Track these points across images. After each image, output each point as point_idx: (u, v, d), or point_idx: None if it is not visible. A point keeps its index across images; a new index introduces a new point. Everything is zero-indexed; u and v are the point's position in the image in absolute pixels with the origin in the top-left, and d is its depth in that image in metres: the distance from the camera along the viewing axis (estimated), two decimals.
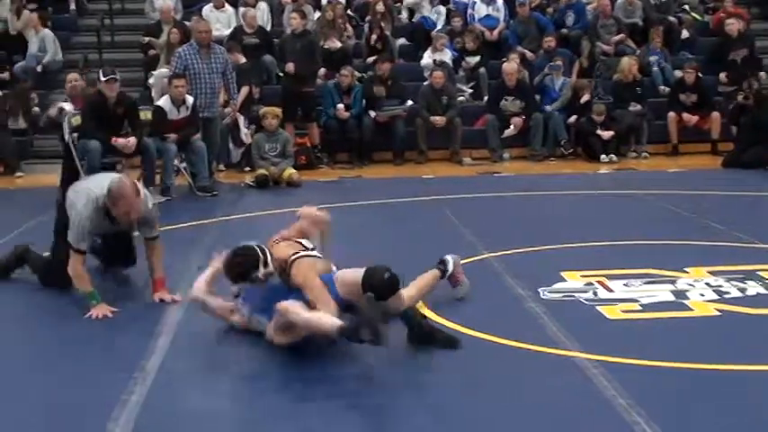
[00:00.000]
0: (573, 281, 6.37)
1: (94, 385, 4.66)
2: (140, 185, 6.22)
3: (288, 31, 13.65)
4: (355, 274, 5.01)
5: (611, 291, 6.12)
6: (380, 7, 15.14)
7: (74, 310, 5.95)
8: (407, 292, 5.42)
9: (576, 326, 5.35)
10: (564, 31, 15.54)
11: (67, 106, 10.56)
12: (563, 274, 6.51)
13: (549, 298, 5.98)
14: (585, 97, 13.79)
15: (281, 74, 13.66)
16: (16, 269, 6.88)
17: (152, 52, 14.49)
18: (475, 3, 15.56)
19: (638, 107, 13.82)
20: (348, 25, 15.12)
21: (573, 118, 13.72)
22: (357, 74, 14.00)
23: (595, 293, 6.07)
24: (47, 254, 6.68)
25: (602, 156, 13.20)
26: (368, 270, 4.94)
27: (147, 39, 14.65)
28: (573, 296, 6.02)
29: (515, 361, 4.91)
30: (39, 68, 14.47)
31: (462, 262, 6.90)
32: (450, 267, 5.94)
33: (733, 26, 14.81)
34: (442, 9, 15.88)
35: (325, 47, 13.93)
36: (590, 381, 4.52)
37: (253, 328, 5.25)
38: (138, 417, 4.21)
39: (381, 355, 4.90)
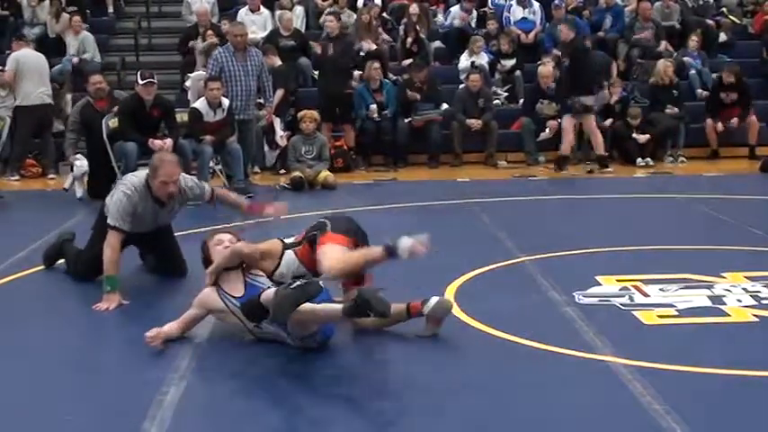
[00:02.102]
0: (609, 285, 6.34)
1: (130, 385, 4.70)
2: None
3: (323, 35, 13.64)
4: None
5: (647, 295, 6.07)
6: (414, 9, 15.15)
7: (107, 311, 6.00)
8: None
9: (611, 331, 5.31)
10: (600, 34, 15.48)
11: (78, 162, 10.71)
12: (599, 278, 6.47)
13: (585, 302, 5.95)
14: (616, 96, 13.70)
15: (315, 77, 13.75)
16: (60, 258, 7.03)
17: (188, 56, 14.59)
18: (511, 6, 15.55)
19: (675, 110, 13.72)
20: (381, 28, 15.12)
21: (609, 121, 13.65)
22: (392, 76, 14.04)
23: (631, 298, 6.03)
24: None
25: (639, 159, 13.13)
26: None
27: (191, 43, 14.67)
28: (609, 301, 5.99)
29: (550, 365, 4.89)
30: (69, 67, 14.54)
31: (498, 265, 6.94)
32: (401, 251, 5.10)
33: None
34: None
35: (361, 51, 13.98)
36: (625, 386, 4.49)
37: (265, 336, 5.20)
38: (174, 416, 4.23)
39: (419, 356, 4.91)
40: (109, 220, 6.15)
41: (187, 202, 6.54)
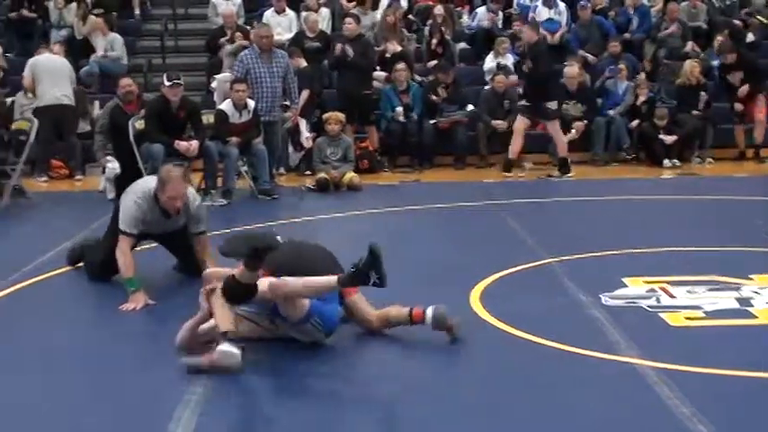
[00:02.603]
0: (635, 287, 6.30)
1: (156, 385, 4.71)
2: (190, 187, 6.54)
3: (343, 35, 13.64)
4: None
5: (673, 297, 6.04)
6: (440, 11, 15.15)
7: (132, 311, 6.04)
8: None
9: (637, 333, 5.28)
10: (626, 35, 15.42)
11: (110, 164, 10.77)
12: (625, 279, 6.44)
13: (611, 304, 5.92)
14: (642, 97, 13.64)
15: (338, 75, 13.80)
16: (82, 260, 7.16)
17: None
18: (537, 6, 15.50)
19: (704, 95, 13.57)
20: (404, 29, 15.09)
21: (635, 122, 13.60)
22: (418, 78, 14.04)
23: (658, 300, 6.00)
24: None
25: (665, 161, 13.06)
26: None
27: (221, 40, 14.68)
28: (635, 302, 5.95)
29: (576, 367, 4.87)
30: (96, 68, 14.64)
31: (524, 267, 6.92)
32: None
33: None
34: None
35: (387, 53, 13.98)
36: (651, 388, 4.46)
37: (281, 335, 5.20)
38: (199, 417, 4.24)
39: (442, 357, 4.90)
40: (120, 225, 6.29)
41: (191, 218, 6.53)
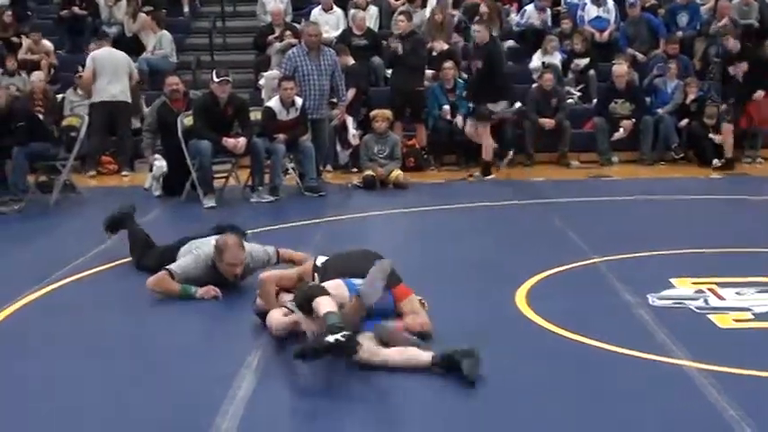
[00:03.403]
0: (683, 287, 6.25)
1: (203, 381, 4.75)
2: (246, 243, 6.47)
3: (395, 33, 13.64)
4: None
5: (722, 299, 5.99)
6: (485, 8, 15.10)
7: (180, 306, 6.11)
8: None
9: (685, 334, 5.24)
10: (678, 33, 15.25)
11: (157, 162, 10.85)
12: (673, 280, 6.39)
13: (659, 305, 5.88)
14: (692, 95, 13.49)
15: (388, 75, 13.79)
16: (119, 229, 7.43)
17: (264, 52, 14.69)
18: (585, 4, 15.40)
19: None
20: (453, 28, 15.05)
21: (684, 121, 13.46)
22: (465, 75, 14.01)
23: (706, 301, 5.95)
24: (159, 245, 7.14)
25: (714, 160, 12.91)
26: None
27: (270, 37, 14.77)
28: (683, 303, 5.91)
29: (623, 368, 4.84)
30: (145, 66, 14.75)
31: (570, 266, 6.89)
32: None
33: None
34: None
35: (434, 51, 13.95)
36: (699, 391, 4.43)
37: None
38: (246, 411, 4.28)
39: (486, 356, 4.90)
40: (172, 266, 6.34)
41: (252, 271, 6.50)
